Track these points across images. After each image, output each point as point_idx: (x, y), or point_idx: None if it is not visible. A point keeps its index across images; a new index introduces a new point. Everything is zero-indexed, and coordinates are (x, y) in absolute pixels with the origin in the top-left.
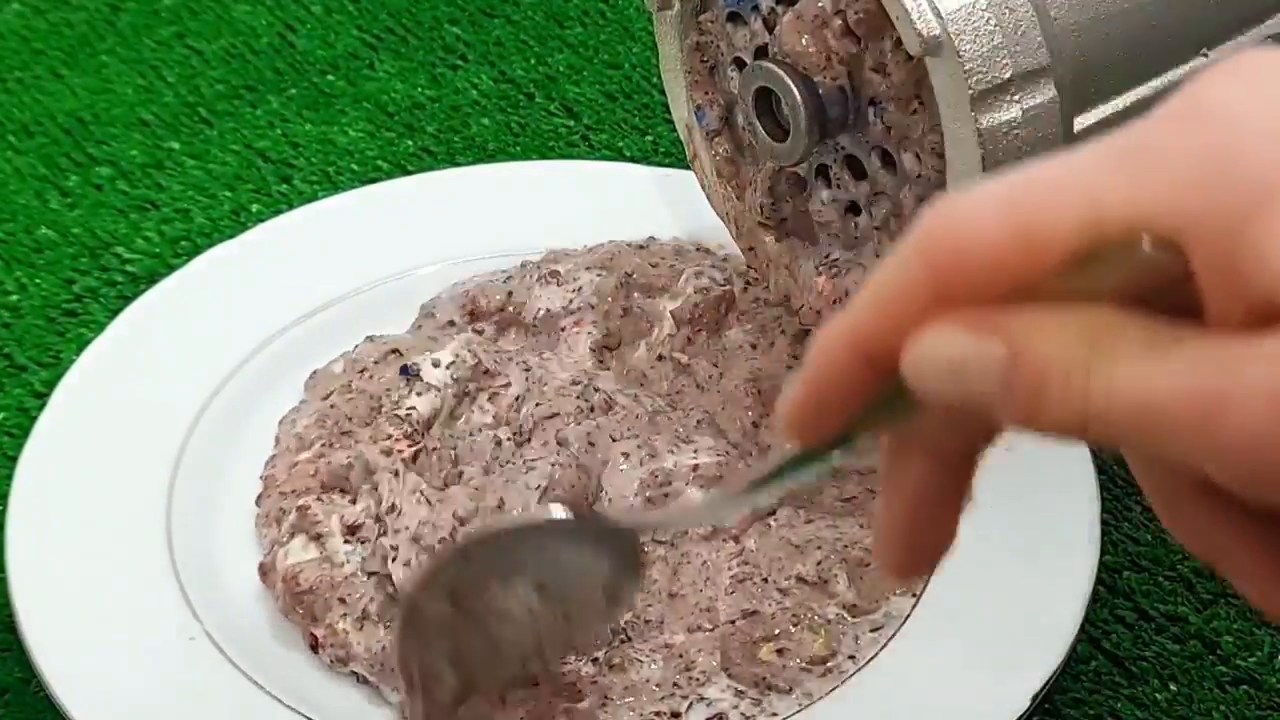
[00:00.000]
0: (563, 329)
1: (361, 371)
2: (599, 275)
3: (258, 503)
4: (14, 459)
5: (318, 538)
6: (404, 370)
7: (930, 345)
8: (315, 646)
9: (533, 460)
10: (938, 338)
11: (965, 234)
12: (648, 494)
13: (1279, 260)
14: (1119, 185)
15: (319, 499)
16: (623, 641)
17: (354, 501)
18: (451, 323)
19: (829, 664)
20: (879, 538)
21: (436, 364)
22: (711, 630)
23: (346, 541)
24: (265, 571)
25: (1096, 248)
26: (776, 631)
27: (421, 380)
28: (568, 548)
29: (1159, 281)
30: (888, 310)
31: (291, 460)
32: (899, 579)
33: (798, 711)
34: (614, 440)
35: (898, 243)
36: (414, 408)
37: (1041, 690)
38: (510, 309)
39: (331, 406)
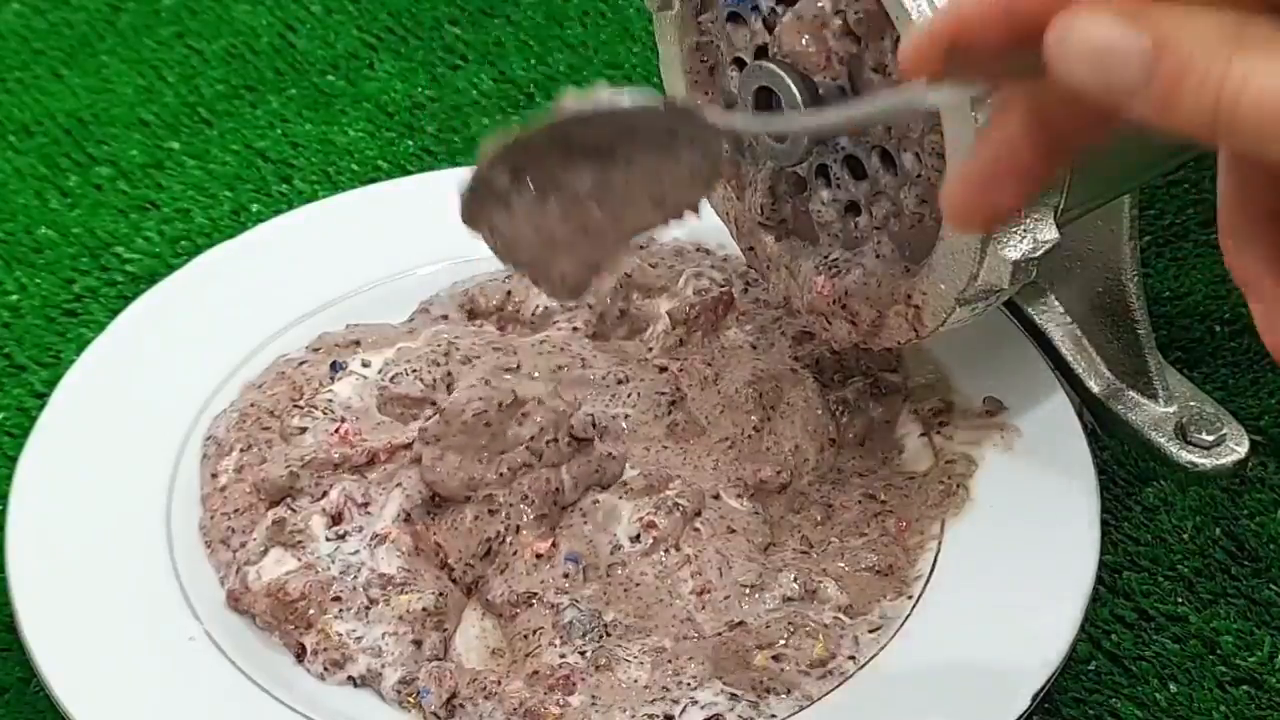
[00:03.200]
0: (555, 323)
1: (300, 365)
2: None
3: (202, 528)
4: (14, 459)
5: (297, 545)
6: (333, 366)
7: (1080, 27)
8: (301, 657)
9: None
10: (1088, 21)
11: None
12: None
13: None
14: None
15: (284, 507)
16: (604, 637)
17: (316, 499)
18: (445, 317)
19: (828, 666)
20: (951, 180)
21: (366, 364)
22: (699, 639)
23: (329, 540)
24: (237, 597)
25: None
26: (771, 640)
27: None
28: (649, 135)
29: None
30: None
31: (212, 469)
32: (955, 224)
33: (798, 712)
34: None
35: None
36: (333, 394)
37: (1042, 689)
38: (509, 308)
39: (251, 405)
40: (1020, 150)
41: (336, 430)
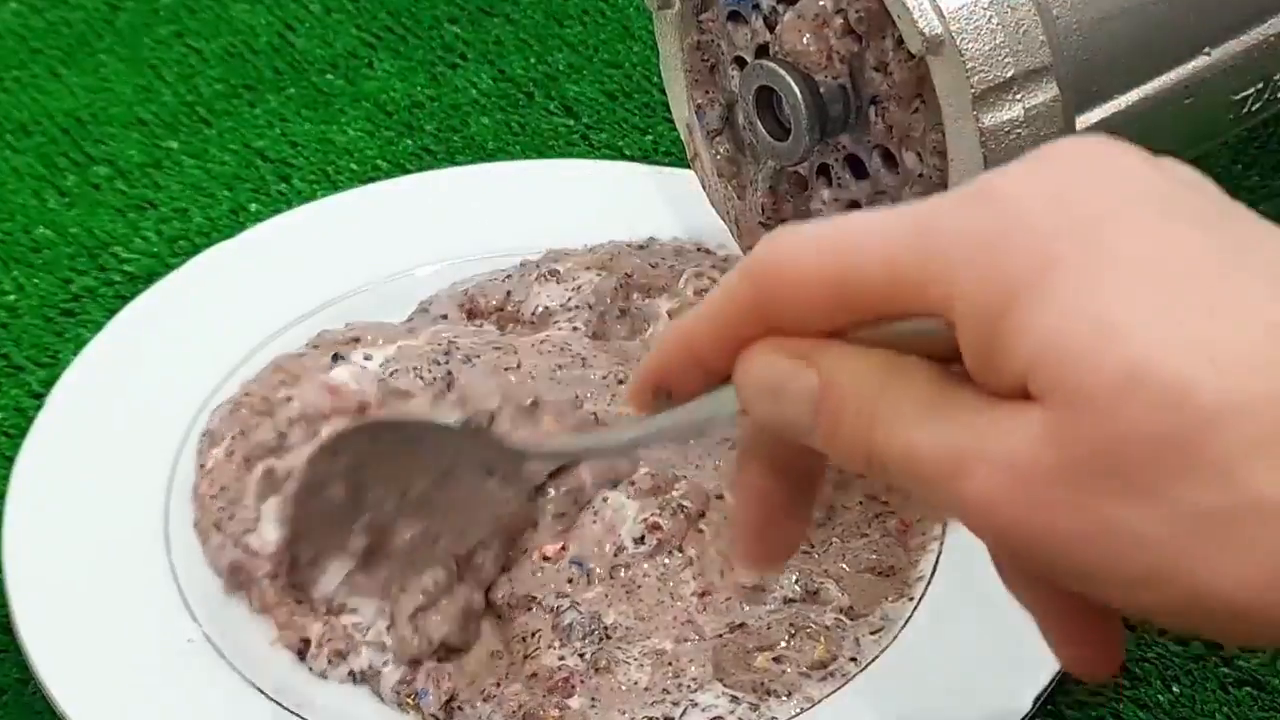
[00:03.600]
0: (555, 323)
1: (299, 358)
2: (599, 275)
3: (195, 525)
4: (11, 459)
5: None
6: (334, 358)
7: (756, 363)
8: (303, 654)
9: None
10: (763, 357)
11: (789, 273)
12: None
13: (1024, 349)
14: (910, 262)
15: (272, 457)
16: (604, 639)
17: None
18: (444, 316)
19: (830, 668)
20: (733, 535)
21: (368, 358)
22: (700, 641)
23: None
24: (238, 568)
25: (891, 311)
26: (772, 642)
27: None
28: (466, 453)
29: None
30: (721, 325)
31: (203, 460)
32: (755, 572)
33: (799, 714)
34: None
35: (737, 264)
36: (329, 377)
37: (1044, 692)
38: (509, 307)
39: (246, 395)
40: (774, 496)
41: (327, 387)
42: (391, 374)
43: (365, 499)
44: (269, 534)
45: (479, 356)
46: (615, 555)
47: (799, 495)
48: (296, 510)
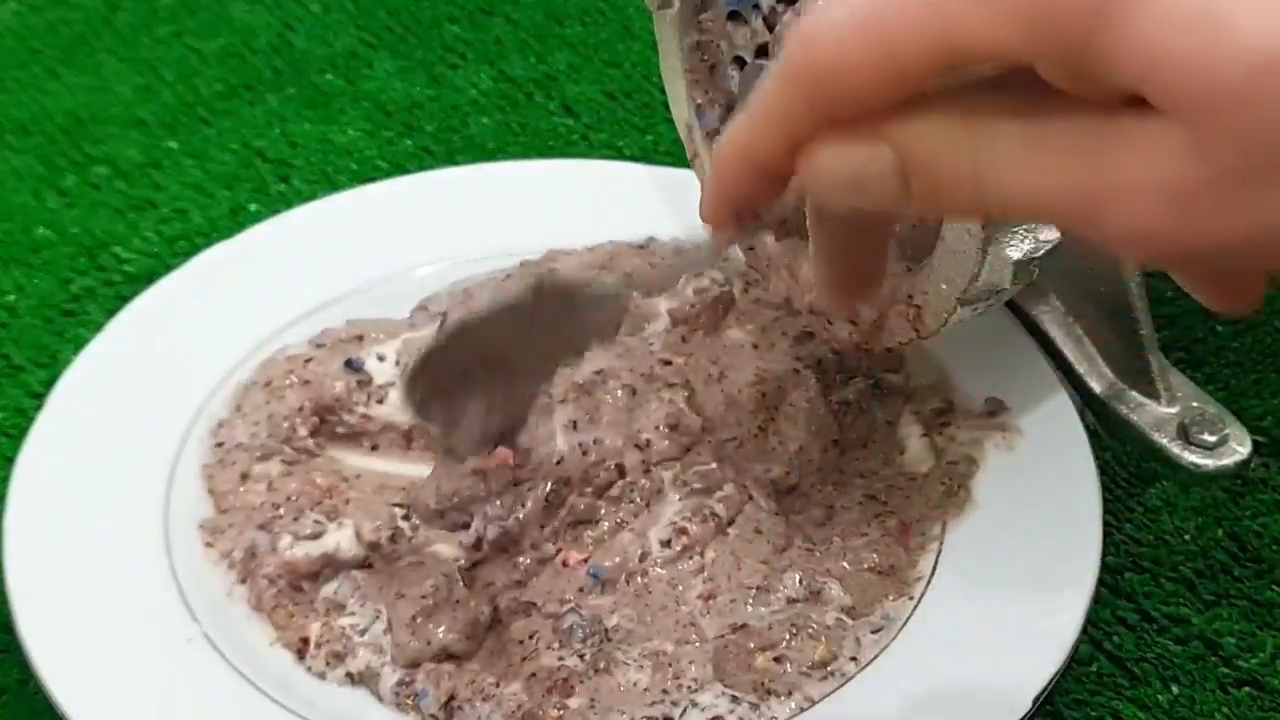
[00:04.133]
0: None
1: (308, 361)
2: (599, 275)
3: (205, 527)
4: (12, 460)
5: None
6: (348, 364)
7: (825, 160)
8: (302, 654)
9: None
10: (830, 152)
11: (832, 62)
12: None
13: (1131, 62)
14: (967, 11)
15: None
16: (604, 641)
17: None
18: (444, 313)
19: (830, 667)
20: (816, 284)
21: (381, 358)
22: (700, 644)
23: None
24: (251, 554)
25: (955, 63)
26: (773, 642)
27: (365, 372)
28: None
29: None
30: (777, 130)
31: (234, 478)
32: (842, 315)
33: (799, 714)
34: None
35: (771, 68)
36: (368, 415)
37: (1044, 691)
38: None
39: (267, 403)
40: (854, 245)
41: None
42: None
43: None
44: (283, 540)
45: None
46: (640, 561)
47: (875, 241)
48: (418, 392)
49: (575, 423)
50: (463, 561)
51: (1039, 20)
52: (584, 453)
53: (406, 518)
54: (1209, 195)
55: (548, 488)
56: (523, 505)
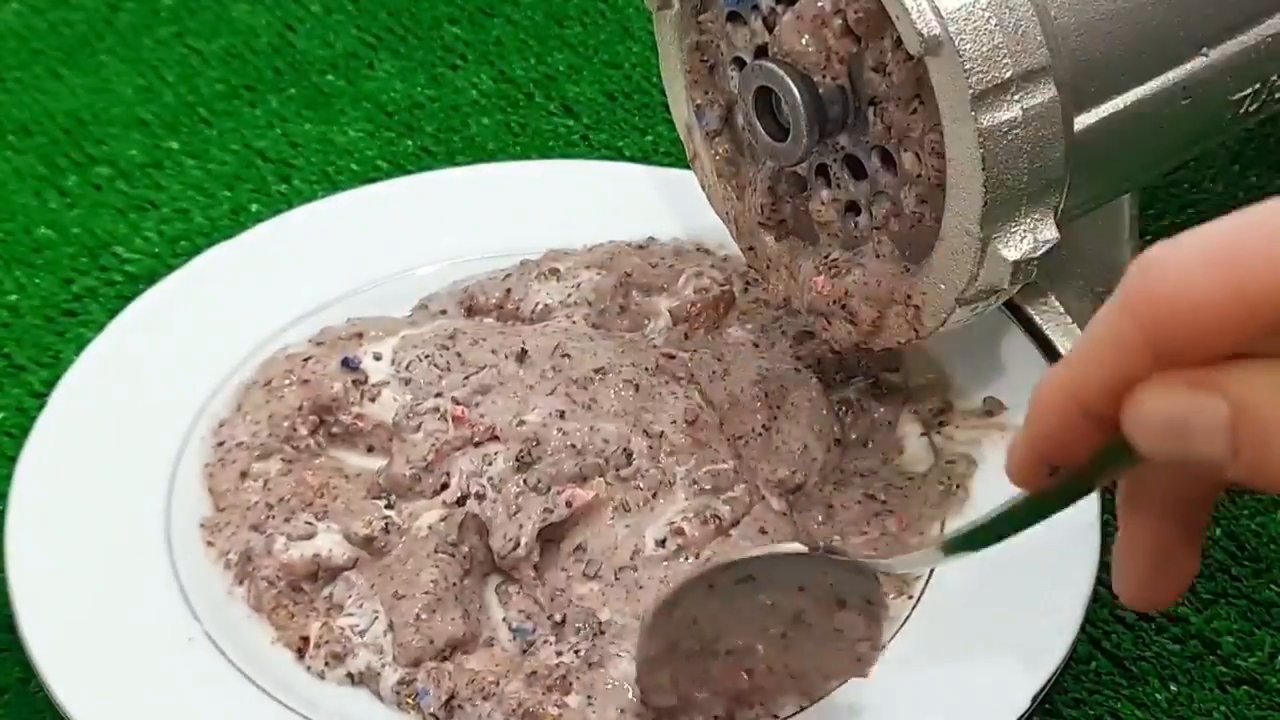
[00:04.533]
0: (554, 319)
1: (307, 360)
2: (598, 274)
3: (206, 526)
4: (13, 459)
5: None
6: (345, 363)
7: (1152, 403)
8: (302, 653)
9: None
10: (1159, 396)
11: (1179, 295)
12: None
13: None
14: None
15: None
16: (597, 635)
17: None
18: (444, 312)
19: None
20: (1122, 581)
21: (378, 357)
22: None
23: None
24: (247, 557)
25: None
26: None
27: (361, 371)
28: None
29: None
30: (1106, 369)
31: (234, 477)
32: (1146, 609)
33: (798, 712)
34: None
35: (1109, 299)
36: (362, 414)
37: (1042, 690)
38: (509, 305)
39: (267, 402)
40: (1165, 536)
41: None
42: (407, 365)
43: (717, 645)
44: (277, 542)
45: (484, 339)
46: (631, 557)
47: (1191, 529)
48: (650, 656)
49: (564, 412)
50: (452, 536)
51: None
52: (564, 435)
53: (390, 505)
54: None
55: (517, 448)
56: (489, 464)
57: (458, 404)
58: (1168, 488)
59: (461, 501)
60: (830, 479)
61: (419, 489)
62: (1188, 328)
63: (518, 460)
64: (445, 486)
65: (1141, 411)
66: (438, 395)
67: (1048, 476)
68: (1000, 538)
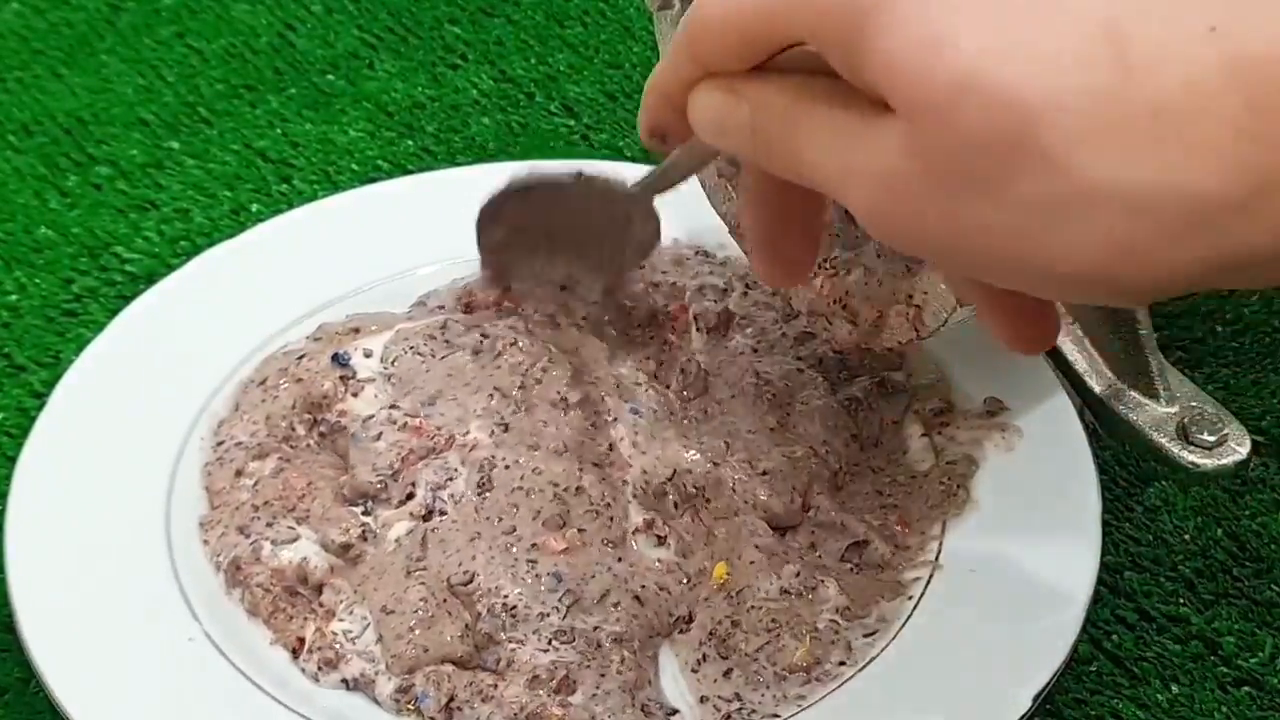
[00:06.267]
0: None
1: (301, 358)
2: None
3: (203, 525)
4: (13, 459)
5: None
6: (334, 358)
7: (699, 103)
8: (297, 653)
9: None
10: (702, 97)
11: (711, 24)
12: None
13: (875, 66)
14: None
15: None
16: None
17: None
18: (441, 307)
19: (814, 673)
20: (751, 255)
21: (369, 354)
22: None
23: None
24: (237, 565)
25: (779, 41)
26: (760, 634)
27: (350, 367)
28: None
29: None
30: (672, 73)
31: (229, 476)
32: (774, 284)
33: (797, 713)
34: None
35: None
36: (344, 410)
37: (1043, 690)
38: (508, 303)
39: (264, 401)
40: (781, 205)
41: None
42: (393, 362)
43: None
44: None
45: (477, 325)
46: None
47: (806, 205)
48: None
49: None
50: (417, 553)
51: (819, 16)
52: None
53: (367, 512)
54: (917, 189)
55: (477, 473)
56: (450, 479)
57: (413, 417)
58: (758, 176)
59: (427, 516)
60: (831, 470)
61: (385, 496)
62: (715, 45)
63: (479, 486)
64: (411, 496)
65: (694, 109)
66: (393, 407)
67: (661, 142)
68: (672, 185)
